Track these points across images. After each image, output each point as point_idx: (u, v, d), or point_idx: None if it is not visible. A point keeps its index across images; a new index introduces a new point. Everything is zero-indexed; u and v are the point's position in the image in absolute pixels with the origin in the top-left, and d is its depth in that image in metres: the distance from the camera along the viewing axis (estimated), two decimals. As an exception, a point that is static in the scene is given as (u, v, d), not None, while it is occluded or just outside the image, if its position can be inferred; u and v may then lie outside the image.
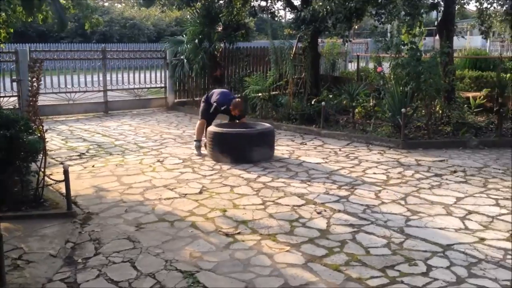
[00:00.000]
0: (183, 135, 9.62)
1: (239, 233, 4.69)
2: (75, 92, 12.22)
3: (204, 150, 7.93)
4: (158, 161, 7.50)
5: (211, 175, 6.73)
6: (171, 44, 13.35)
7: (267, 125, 8.11)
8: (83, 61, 13.73)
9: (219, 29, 13.07)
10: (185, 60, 12.65)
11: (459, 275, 3.84)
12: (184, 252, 4.28)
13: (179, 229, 4.80)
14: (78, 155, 7.87)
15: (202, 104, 8.31)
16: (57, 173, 6.03)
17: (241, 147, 7.37)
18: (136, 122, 11.24)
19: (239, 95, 10.63)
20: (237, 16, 12.97)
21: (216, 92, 8.21)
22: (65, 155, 7.85)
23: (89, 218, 5.06)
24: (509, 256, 4.18)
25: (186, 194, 5.85)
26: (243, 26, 13.21)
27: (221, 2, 12.73)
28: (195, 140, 8.09)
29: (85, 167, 7.11)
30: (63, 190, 5.55)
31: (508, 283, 3.71)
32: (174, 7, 13.61)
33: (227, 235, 4.65)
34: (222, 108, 7.93)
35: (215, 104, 7.92)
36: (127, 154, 7.95)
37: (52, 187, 5.70)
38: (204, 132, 7.98)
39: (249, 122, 8.67)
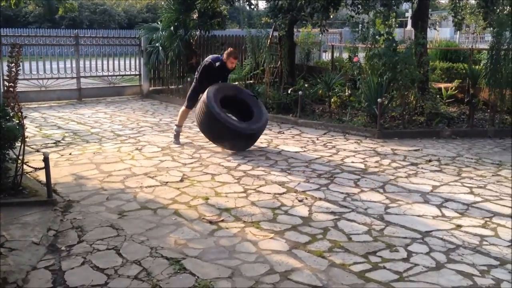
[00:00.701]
0: (160, 123, 9.55)
1: (222, 221, 4.72)
2: (47, 78, 11.96)
3: (182, 138, 7.90)
4: (137, 149, 7.43)
5: (191, 163, 6.72)
6: (146, 31, 13.18)
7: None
8: (55, 47, 13.41)
9: (195, 16, 12.96)
10: (160, 48, 12.51)
11: (438, 261, 3.97)
12: (168, 239, 4.29)
13: (163, 216, 4.80)
14: (54, 143, 7.73)
15: (193, 85, 7.92)
16: (33, 161, 5.92)
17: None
18: (111, 109, 11.08)
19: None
20: (212, 3, 12.87)
21: (203, 63, 7.90)
22: (40, 143, 7.70)
23: (70, 206, 5.00)
24: (485, 242, 4.34)
25: (167, 182, 5.84)
26: (219, 14, 13.12)
27: (197, -12, 12.60)
28: (176, 125, 7.91)
29: (62, 155, 6.99)
30: (41, 178, 5.49)
31: (485, 268, 3.86)
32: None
33: (210, 222, 4.68)
34: (217, 64, 7.53)
35: (208, 61, 7.56)
36: (104, 142, 7.85)
37: (30, 175, 5.59)
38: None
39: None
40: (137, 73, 13.34)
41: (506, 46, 9.07)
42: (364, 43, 9.97)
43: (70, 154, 7.06)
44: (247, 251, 4.11)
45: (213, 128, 7.23)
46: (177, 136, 7.85)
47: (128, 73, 13.36)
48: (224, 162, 6.80)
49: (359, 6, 9.94)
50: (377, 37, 9.43)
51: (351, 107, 10.18)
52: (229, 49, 7.70)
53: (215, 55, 8.05)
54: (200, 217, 4.80)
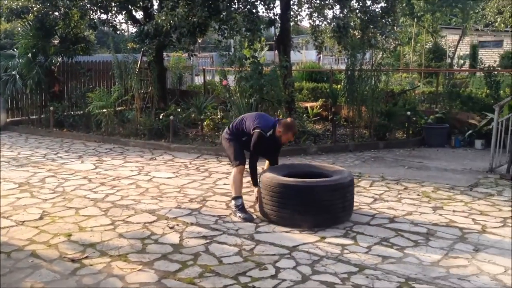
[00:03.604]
0: (18, 157, 8.80)
1: (86, 257, 4.42)
2: None
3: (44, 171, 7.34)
4: (-10, 187, 6.76)
5: (53, 198, 6.25)
6: (1, 59, 12.19)
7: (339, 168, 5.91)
8: None
9: (56, 42, 12.31)
10: (18, 76, 11.63)
11: (304, 273, 4.10)
12: (24, 285, 3.90)
13: (17, 260, 4.36)
14: None
15: (228, 143, 5.81)
16: None
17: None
18: (-39, 145, 10.00)
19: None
20: (75, 28, 12.34)
21: (246, 118, 5.84)
22: None
23: None
24: (346, 251, 4.58)
25: (24, 221, 5.35)
26: (82, 39, 12.60)
27: (56, 14, 11.97)
28: (234, 198, 5.62)
29: None
30: None
31: (346, 275, 4.06)
32: (3, 19, 12.46)
33: (73, 260, 4.36)
34: (268, 134, 5.62)
35: (257, 130, 5.57)
36: (-50, 182, 7.02)
37: None
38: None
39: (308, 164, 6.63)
40: (-9, 104, 12.24)
41: (359, 67, 9.87)
42: (232, 66, 10.22)
43: None
44: (112, 287, 3.89)
45: None
46: (242, 208, 5.56)
47: (-19, 104, 12.21)
48: (90, 194, 6.44)
49: (225, 31, 10.17)
50: (243, 60, 9.72)
51: (223, 130, 10.28)
52: (289, 119, 5.84)
53: (262, 118, 5.81)
54: (61, 256, 4.46)
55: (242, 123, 5.79)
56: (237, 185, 5.59)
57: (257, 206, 5.70)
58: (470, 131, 9.73)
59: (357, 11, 10.66)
